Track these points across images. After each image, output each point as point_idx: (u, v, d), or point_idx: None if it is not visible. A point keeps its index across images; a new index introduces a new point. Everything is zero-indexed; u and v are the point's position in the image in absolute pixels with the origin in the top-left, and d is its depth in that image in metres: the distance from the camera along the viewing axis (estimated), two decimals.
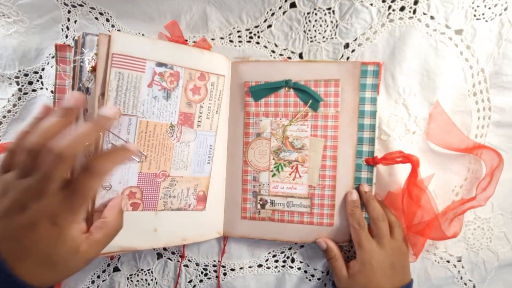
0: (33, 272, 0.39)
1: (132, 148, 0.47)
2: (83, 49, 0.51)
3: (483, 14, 0.56)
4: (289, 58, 0.61)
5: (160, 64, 0.53)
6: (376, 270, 0.53)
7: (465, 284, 0.63)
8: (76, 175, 0.41)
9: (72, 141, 0.39)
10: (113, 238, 0.46)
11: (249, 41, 0.62)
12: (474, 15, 0.57)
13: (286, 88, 0.59)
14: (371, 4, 0.57)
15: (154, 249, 0.64)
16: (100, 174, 0.42)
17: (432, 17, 0.57)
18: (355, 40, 0.59)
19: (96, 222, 0.46)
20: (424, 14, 0.57)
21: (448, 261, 0.62)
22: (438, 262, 0.62)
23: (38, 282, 0.39)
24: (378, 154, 0.57)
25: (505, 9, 0.56)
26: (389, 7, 0.57)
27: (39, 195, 0.38)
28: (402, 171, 0.58)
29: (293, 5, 0.59)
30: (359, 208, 0.57)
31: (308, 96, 0.58)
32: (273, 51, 0.61)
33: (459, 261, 0.63)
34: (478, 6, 0.56)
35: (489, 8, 0.56)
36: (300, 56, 0.61)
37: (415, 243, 0.58)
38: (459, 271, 0.63)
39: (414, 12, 0.57)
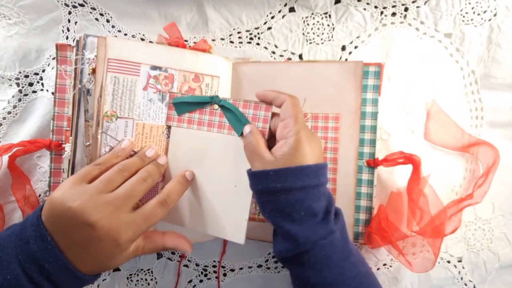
0: (90, 270, 0.44)
1: (189, 178, 0.53)
2: (84, 51, 0.51)
3: (471, 19, 0.59)
4: (289, 59, 0.61)
5: (154, 68, 0.53)
6: (306, 146, 0.45)
7: (466, 284, 0.63)
8: (149, 203, 0.47)
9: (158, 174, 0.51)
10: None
11: (249, 42, 0.62)
12: (463, 21, 0.59)
13: (213, 105, 0.53)
14: (364, 9, 0.60)
15: None
16: (170, 206, 0.49)
17: (422, 22, 0.60)
18: (351, 42, 0.61)
19: None
20: (414, 19, 0.59)
21: (448, 262, 0.62)
22: (439, 263, 0.62)
23: (91, 273, 0.45)
24: (378, 153, 0.57)
25: (494, 15, 0.58)
26: (381, 12, 0.60)
27: (116, 211, 0.44)
28: (403, 171, 0.58)
29: (292, 9, 0.61)
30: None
31: (234, 117, 0.52)
32: (274, 52, 0.62)
33: (460, 261, 0.63)
34: (466, 13, 0.59)
35: (478, 14, 0.58)
36: (300, 57, 0.61)
37: (432, 247, 0.57)
38: (459, 272, 0.63)
39: (405, 17, 0.60)
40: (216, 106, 0.53)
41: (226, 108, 0.52)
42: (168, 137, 0.55)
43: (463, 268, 0.63)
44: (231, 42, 0.62)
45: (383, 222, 0.56)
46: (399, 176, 0.60)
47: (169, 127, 0.55)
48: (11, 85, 0.60)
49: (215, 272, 0.65)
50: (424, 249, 0.58)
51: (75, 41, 0.59)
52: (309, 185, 0.44)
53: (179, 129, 0.55)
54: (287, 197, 0.44)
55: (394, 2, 0.59)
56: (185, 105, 0.54)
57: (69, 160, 0.53)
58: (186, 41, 0.61)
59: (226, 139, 0.52)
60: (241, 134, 0.50)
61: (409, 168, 0.57)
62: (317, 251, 0.44)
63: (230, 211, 0.53)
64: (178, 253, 0.64)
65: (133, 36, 0.61)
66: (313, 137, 0.47)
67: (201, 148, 0.53)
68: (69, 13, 0.60)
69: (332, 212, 0.46)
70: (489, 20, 0.58)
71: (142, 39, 0.61)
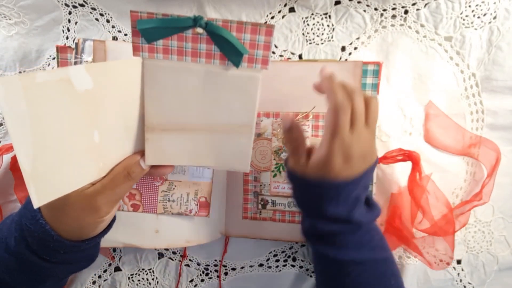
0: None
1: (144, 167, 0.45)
2: (82, 54, 0.52)
3: (472, 22, 0.58)
4: (289, 59, 0.61)
5: None
6: (342, 165, 0.42)
7: (465, 286, 0.63)
8: None
9: None
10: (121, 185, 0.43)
11: None
12: (463, 24, 0.58)
13: (196, 30, 0.40)
14: (364, 11, 0.60)
15: (156, 248, 0.65)
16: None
17: (422, 25, 0.59)
18: (351, 43, 0.61)
19: None
20: (414, 22, 0.59)
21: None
22: (438, 265, 0.62)
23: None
24: (378, 154, 0.57)
25: (494, 18, 0.58)
26: (381, 14, 0.60)
27: None
28: (403, 171, 0.59)
29: (292, 9, 0.60)
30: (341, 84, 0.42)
31: (227, 45, 0.40)
32: (273, 52, 0.61)
33: (459, 263, 0.63)
34: (467, 16, 0.58)
35: (478, 17, 0.58)
36: (300, 57, 0.61)
37: (447, 242, 0.57)
38: (458, 274, 0.63)
39: (405, 20, 0.59)
40: (200, 30, 0.40)
41: (215, 34, 0.40)
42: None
43: (462, 270, 0.63)
44: None
45: (397, 220, 0.57)
46: (399, 177, 0.60)
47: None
48: None
49: (216, 271, 0.65)
50: (424, 251, 0.58)
51: (74, 43, 0.59)
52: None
53: (154, 62, 0.42)
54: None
55: (394, 4, 0.59)
56: (156, 30, 0.40)
57: None
58: None
59: (219, 70, 0.42)
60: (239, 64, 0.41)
61: (408, 170, 0.57)
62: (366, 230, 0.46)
63: (232, 146, 0.46)
64: (179, 253, 0.65)
65: None
66: (360, 152, 0.42)
67: (187, 84, 0.43)
68: (69, 13, 0.60)
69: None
70: (489, 23, 0.58)
71: None
